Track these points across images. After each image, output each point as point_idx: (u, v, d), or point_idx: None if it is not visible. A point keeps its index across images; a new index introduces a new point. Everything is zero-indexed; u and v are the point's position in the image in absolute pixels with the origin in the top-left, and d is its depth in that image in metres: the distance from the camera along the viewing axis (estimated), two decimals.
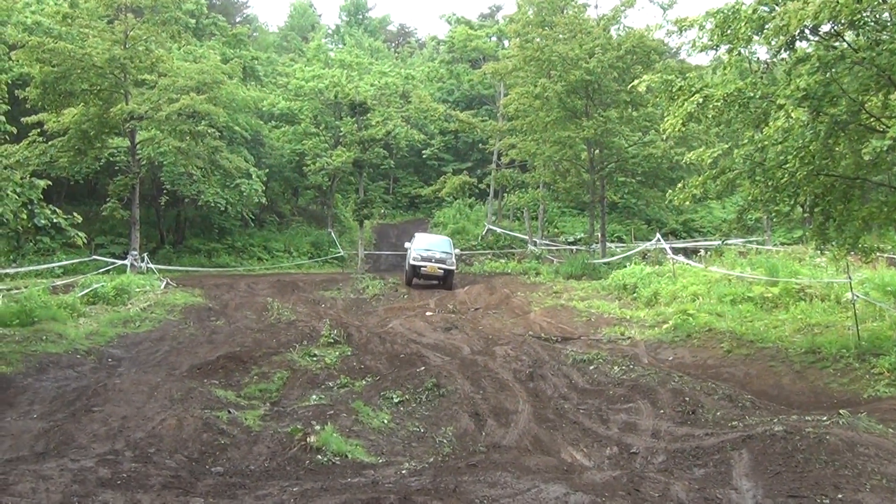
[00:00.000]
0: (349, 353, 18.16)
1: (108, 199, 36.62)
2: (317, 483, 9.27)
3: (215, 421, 11.75)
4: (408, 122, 50.08)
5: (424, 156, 62.27)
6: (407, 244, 38.10)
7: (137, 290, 27.74)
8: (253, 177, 42.75)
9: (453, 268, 36.50)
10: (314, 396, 14.51)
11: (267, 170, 46.85)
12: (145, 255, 36.45)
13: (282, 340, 19.48)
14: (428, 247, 37.04)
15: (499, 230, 52.65)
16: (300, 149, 50.14)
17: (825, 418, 11.83)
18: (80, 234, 18.55)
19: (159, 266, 36.57)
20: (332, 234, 51.54)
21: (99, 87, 35.94)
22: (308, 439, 10.87)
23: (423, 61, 76.57)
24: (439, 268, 35.62)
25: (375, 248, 51.65)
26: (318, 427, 11.36)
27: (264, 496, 8.72)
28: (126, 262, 34.77)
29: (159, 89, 36.29)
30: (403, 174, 66.15)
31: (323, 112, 52.47)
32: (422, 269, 35.52)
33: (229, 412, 12.39)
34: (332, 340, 19.33)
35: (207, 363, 16.72)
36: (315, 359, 17.42)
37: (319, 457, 10.53)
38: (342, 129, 47.70)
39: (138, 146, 37.79)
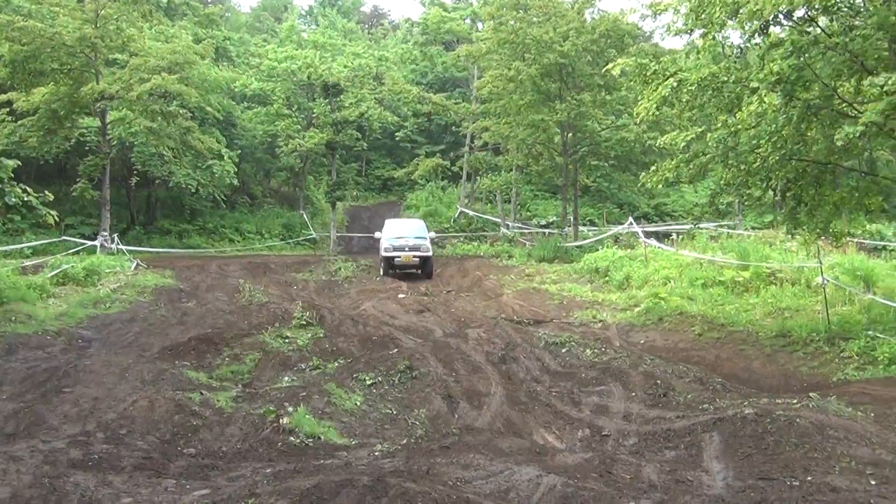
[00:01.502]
0: (321, 336, 18.11)
1: (78, 180, 36.26)
2: (289, 464, 9.25)
3: (187, 402, 11.70)
4: (381, 103, 49.92)
5: (397, 138, 62.06)
6: (377, 234, 35.70)
7: (108, 271, 27.54)
8: (225, 158, 42.51)
9: (429, 253, 33.62)
10: (286, 378, 14.48)
11: (239, 151, 46.59)
12: (115, 236, 36.14)
13: (253, 322, 19.42)
14: (399, 234, 34.32)
15: (471, 213, 52.62)
16: (272, 130, 49.87)
17: (795, 401, 11.91)
18: (51, 212, 18.42)
19: (130, 247, 36.32)
20: (305, 216, 51.37)
21: (69, 67, 35.62)
22: (280, 421, 10.84)
23: (396, 43, 76.32)
24: (414, 256, 32.87)
25: (348, 231, 51.47)
26: (290, 409, 11.34)
27: (237, 477, 8.69)
28: (96, 242, 34.48)
29: (130, 69, 35.91)
30: (376, 156, 65.89)
31: (295, 93, 52.20)
32: (395, 259, 32.71)
33: (201, 394, 12.34)
34: (304, 322, 19.27)
35: (179, 345, 16.63)
36: (287, 341, 17.37)
37: (292, 438, 10.50)
38: (315, 110, 47.47)
39: (109, 126, 37.46)
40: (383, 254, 33.06)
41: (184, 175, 40.79)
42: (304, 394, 12.66)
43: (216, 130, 44.99)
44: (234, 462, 9.62)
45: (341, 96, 46.54)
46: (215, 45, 48.64)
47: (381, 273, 33.23)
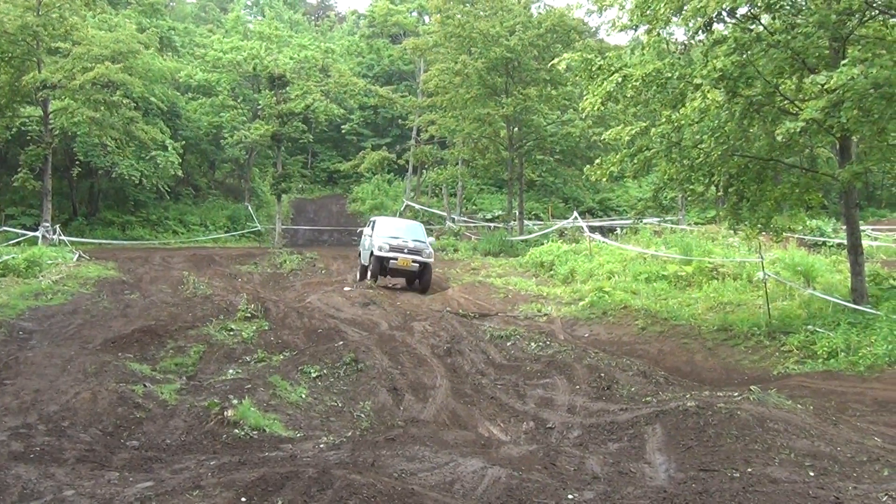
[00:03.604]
0: (266, 328, 18.03)
1: (19, 170, 35.68)
2: (234, 457, 9.21)
3: (130, 395, 11.58)
4: (327, 96, 49.63)
5: (343, 131, 61.86)
6: (366, 230, 30.16)
7: (49, 262, 27.20)
8: (169, 149, 42.06)
9: (431, 260, 28.26)
10: (231, 371, 14.42)
11: (183, 142, 46.09)
12: (57, 227, 35.65)
13: (198, 314, 19.25)
14: (396, 233, 28.84)
15: (417, 206, 52.61)
16: (217, 121, 49.47)
17: (736, 394, 12.08)
18: None
19: (72, 238, 35.89)
20: (250, 208, 51.03)
21: (10, 55, 35.03)
22: (225, 413, 10.78)
23: (343, 35, 76.02)
24: (413, 261, 27.45)
25: (293, 223, 51.25)
26: (235, 401, 11.27)
27: (181, 470, 8.64)
28: (37, 233, 34.01)
29: (73, 58, 35.39)
30: (322, 149, 65.59)
31: (241, 85, 51.85)
32: (391, 261, 27.29)
33: (145, 386, 12.22)
34: (249, 315, 19.15)
35: (122, 337, 16.45)
36: (232, 333, 17.26)
37: (237, 431, 10.45)
38: (260, 102, 47.19)
39: (51, 116, 36.86)
40: (377, 253, 27.36)
41: (127, 166, 40.33)
42: (249, 386, 12.60)
43: (160, 121, 44.49)
44: (178, 454, 9.55)
45: (287, 88, 46.29)
46: (160, 35, 48.21)
47: (360, 277, 29.12)
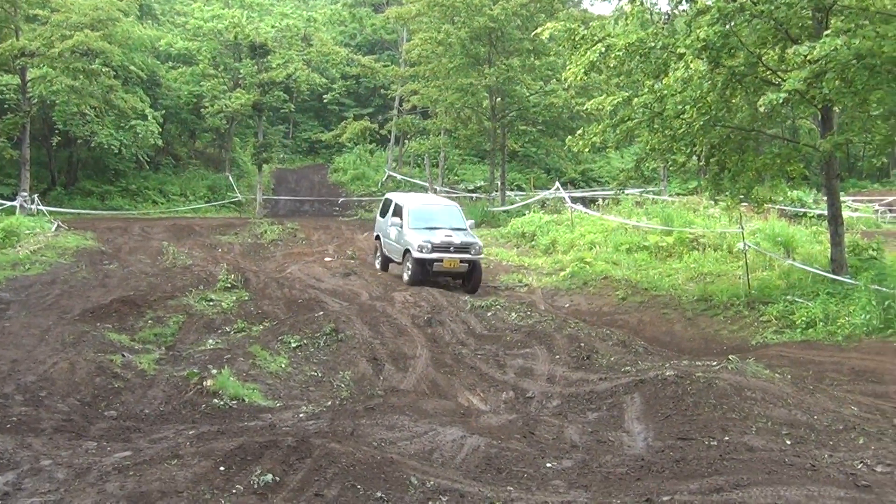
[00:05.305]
0: (246, 298, 18.00)
1: None
2: (213, 426, 9.21)
3: (109, 365, 11.56)
4: (309, 65, 49.27)
5: (325, 100, 61.34)
6: (391, 219, 23.92)
7: (27, 232, 27.00)
8: (149, 118, 41.67)
9: (481, 256, 22.94)
10: (210, 341, 14.40)
11: (163, 111, 45.76)
12: (36, 196, 35.37)
13: (177, 285, 19.18)
14: (432, 222, 23.39)
15: (399, 177, 52.44)
16: (198, 90, 49.01)
17: (715, 364, 12.14)
18: None
19: (50, 208, 35.57)
20: (230, 178, 50.70)
21: None
22: (204, 383, 10.77)
23: (325, 4, 75.24)
24: (462, 260, 21.98)
25: (274, 193, 51.02)
26: (214, 371, 11.26)
27: (159, 439, 8.63)
28: (15, 203, 33.73)
29: (52, 25, 35.03)
30: (303, 118, 65.16)
31: (222, 53, 51.34)
32: (435, 263, 21.80)
33: (123, 356, 12.20)
34: (228, 285, 19.11)
35: (100, 307, 16.36)
36: (211, 303, 17.22)
37: (216, 400, 10.45)
38: (241, 71, 46.84)
39: (29, 84, 36.49)
40: (416, 255, 21.84)
41: (106, 135, 39.95)
42: (229, 356, 12.60)
43: (140, 90, 44.11)
44: (157, 424, 9.54)
45: (268, 57, 45.96)
46: (139, 3, 47.67)
47: (381, 268, 24.73)
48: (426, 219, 23.44)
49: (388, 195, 27.47)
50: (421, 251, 21.71)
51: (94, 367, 11.36)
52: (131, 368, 11.69)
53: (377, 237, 25.54)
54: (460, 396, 12.14)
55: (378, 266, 24.84)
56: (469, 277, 22.24)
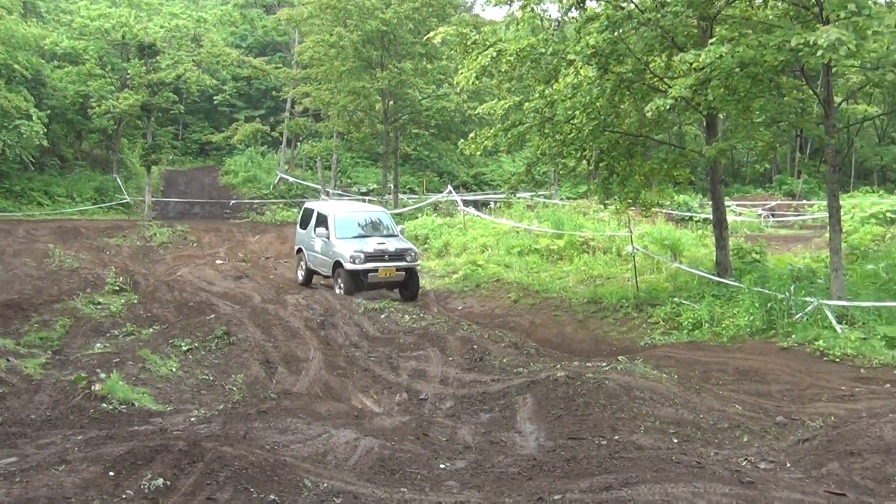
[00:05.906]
0: (135, 301, 17.74)
1: None
2: (102, 431, 9.03)
3: None
4: (199, 66, 48.65)
5: (216, 102, 60.60)
6: (316, 230, 22.71)
7: None
8: (33, 118, 40.64)
9: (417, 263, 22.32)
10: (98, 345, 14.14)
11: (49, 111, 44.63)
12: None
13: (64, 288, 18.79)
14: (360, 230, 22.62)
15: (291, 179, 52.09)
16: (85, 90, 47.93)
17: (605, 365, 12.35)
18: None
19: None
20: (118, 179, 49.70)
21: None
22: (92, 388, 10.55)
23: (215, 4, 74.39)
24: (398, 268, 21.32)
25: (164, 195, 50.19)
26: (102, 375, 11.04)
27: (46, 445, 8.43)
28: None
29: None
30: (194, 120, 64.15)
31: (109, 53, 50.33)
32: (369, 275, 20.94)
33: (8, 360, 11.89)
34: (117, 288, 18.80)
35: None
36: (99, 307, 16.92)
37: (105, 405, 10.24)
38: (130, 71, 45.89)
39: None
40: (348, 266, 20.85)
41: None
42: (118, 360, 12.37)
43: (24, 89, 42.97)
44: (44, 430, 9.32)
45: (157, 57, 45.22)
46: (23, 0, 46.47)
47: (303, 282, 23.56)
48: (354, 227, 22.52)
49: (308, 204, 25.96)
50: (353, 262, 20.75)
51: None
52: (16, 373, 11.41)
53: (299, 250, 24.24)
54: (354, 399, 12.13)
55: (300, 280, 23.72)
56: (407, 285, 21.58)
